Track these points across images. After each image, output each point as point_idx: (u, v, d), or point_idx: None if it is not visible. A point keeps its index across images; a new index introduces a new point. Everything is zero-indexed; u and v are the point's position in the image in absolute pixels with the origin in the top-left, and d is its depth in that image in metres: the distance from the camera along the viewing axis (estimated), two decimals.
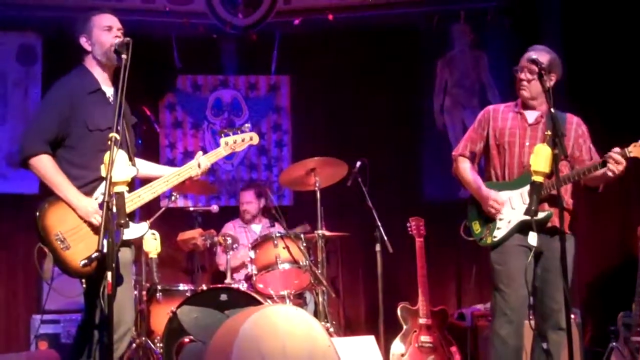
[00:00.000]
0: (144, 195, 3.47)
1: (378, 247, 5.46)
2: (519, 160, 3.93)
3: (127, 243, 3.38)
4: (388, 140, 6.76)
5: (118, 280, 3.17)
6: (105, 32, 3.48)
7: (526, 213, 3.67)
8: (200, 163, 3.67)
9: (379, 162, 5.91)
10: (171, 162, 6.58)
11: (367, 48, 6.84)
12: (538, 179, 3.62)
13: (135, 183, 3.52)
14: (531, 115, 3.99)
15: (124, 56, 3.21)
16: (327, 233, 5.30)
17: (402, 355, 5.52)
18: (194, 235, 5.34)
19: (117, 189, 3.04)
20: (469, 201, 4.11)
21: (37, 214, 3.24)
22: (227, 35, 6.81)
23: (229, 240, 5.18)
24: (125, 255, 3.41)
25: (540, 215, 3.73)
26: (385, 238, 5.37)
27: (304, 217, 5.51)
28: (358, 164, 5.49)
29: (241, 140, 3.92)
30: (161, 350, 4.83)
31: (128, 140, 3.40)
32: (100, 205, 3.13)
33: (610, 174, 3.67)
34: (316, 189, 5.21)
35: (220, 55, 6.97)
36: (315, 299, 5.30)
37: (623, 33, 6.03)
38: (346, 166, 5.36)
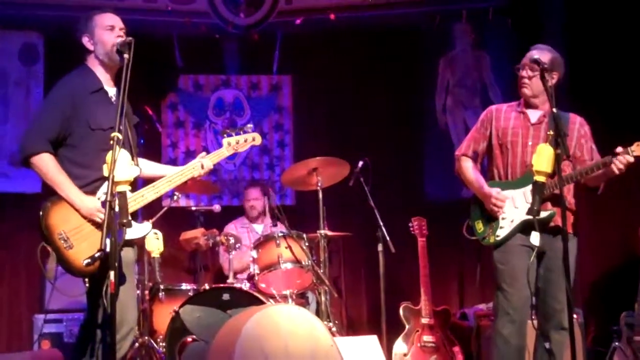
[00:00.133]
0: (147, 194, 3.47)
1: (380, 247, 5.46)
2: (522, 160, 3.93)
3: (129, 242, 3.37)
4: (390, 140, 6.76)
5: (121, 279, 3.17)
6: (108, 31, 3.48)
7: (529, 213, 3.67)
8: (204, 164, 3.67)
9: (381, 162, 5.90)
10: (173, 162, 6.58)
11: (369, 48, 6.84)
12: (540, 178, 3.63)
13: (138, 183, 3.52)
14: (534, 115, 3.99)
15: (126, 56, 3.22)
16: (330, 233, 5.30)
17: (405, 355, 5.52)
18: (196, 234, 5.34)
19: (119, 188, 3.05)
20: (471, 200, 4.11)
21: (41, 213, 3.24)
22: (229, 34, 6.82)
23: (232, 240, 5.18)
24: (128, 254, 3.41)
25: (543, 214, 3.73)
26: (388, 238, 5.37)
27: (306, 217, 5.51)
28: (360, 163, 5.48)
29: (244, 140, 3.93)
30: (164, 350, 4.83)
31: (130, 140, 3.41)
32: (103, 205, 3.13)
33: (616, 170, 3.67)
34: (318, 188, 5.21)
35: (222, 54, 6.97)
36: (318, 299, 5.30)
37: (625, 32, 6.03)
38: (348, 166, 5.36)
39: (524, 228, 3.82)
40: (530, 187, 3.75)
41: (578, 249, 3.93)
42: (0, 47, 6.46)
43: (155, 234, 5.23)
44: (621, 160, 3.66)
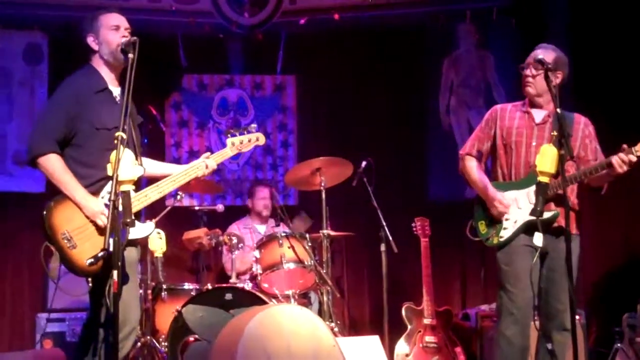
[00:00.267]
0: (150, 194, 3.47)
1: (383, 247, 5.46)
2: (526, 160, 3.93)
3: (133, 242, 3.38)
4: (393, 140, 6.76)
5: (124, 279, 3.18)
6: (113, 31, 3.49)
7: (532, 213, 3.67)
8: (207, 164, 3.68)
9: (385, 162, 5.91)
10: (177, 162, 6.57)
11: (373, 48, 6.84)
12: (544, 179, 3.62)
13: (142, 182, 3.53)
14: (538, 115, 3.98)
15: (130, 55, 3.22)
16: (332, 233, 5.30)
17: (407, 355, 5.52)
18: (199, 234, 5.34)
19: (123, 187, 3.05)
20: (475, 201, 4.11)
21: (44, 212, 3.25)
22: (233, 34, 6.82)
23: (234, 240, 5.18)
24: (131, 254, 3.41)
25: (547, 215, 3.73)
26: (390, 238, 5.38)
27: (309, 217, 5.51)
28: (363, 163, 5.49)
29: (247, 140, 3.94)
30: (166, 349, 4.83)
31: (134, 140, 3.41)
32: (107, 205, 3.14)
33: (619, 169, 3.66)
34: (321, 188, 5.22)
35: (226, 54, 6.97)
36: (320, 299, 5.31)
37: (629, 32, 6.02)
38: (351, 166, 5.37)
39: (528, 229, 3.82)
40: (534, 187, 3.73)
41: (581, 249, 3.93)
42: (4, 47, 6.47)
43: (159, 233, 5.23)
44: (624, 158, 3.65)
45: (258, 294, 4.77)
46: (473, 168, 4.12)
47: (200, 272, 5.54)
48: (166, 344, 4.79)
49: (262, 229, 6.18)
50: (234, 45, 6.97)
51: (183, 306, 4.67)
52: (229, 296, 4.71)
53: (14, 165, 6.37)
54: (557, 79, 3.83)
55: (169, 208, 5.12)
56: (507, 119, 4.05)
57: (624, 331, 5.17)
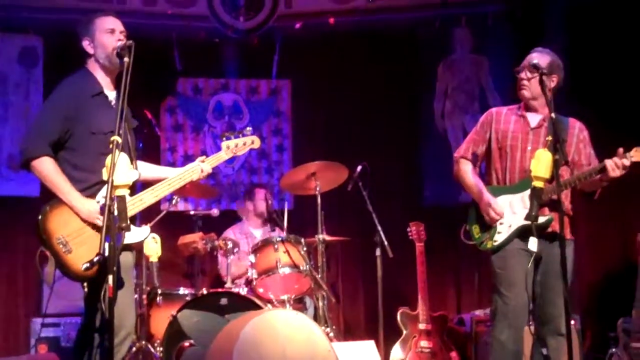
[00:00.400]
0: (146, 198, 3.47)
1: (378, 252, 5.46)
2: (521, 165, 3.93)
3: (128, 247, 3.37)
4: (389, 145, 6.77)
5: (119, 283, 3.18)
6: (108, 34, 3.48)
7: (527, 218, 3.68)
8: (203, 168, 3.67)
9: (380, 167, 5.91)
10: (172, 166, 6.51)
11: (368, 52, 6.85)
12: (538, 184, 3.64)
13: (137, 185, 3.52)
14: (534, 119, 3.99)
15: (126, 59, 3.21)
16: (328, 237, 5.29)
17: None
18: (194, 239, 5.33)
19: (118, 192, 3.04)
20: (469, 204, 4.11)
21: (39, 217, 3.24)
22: (229, 38, 6.82)
23: (230, 245, 5.18)
24: (127, 259, 3.41)
25: (541, 220, 3.72)
26: (386, 242, 5.37)
27: (304, 221, 5.51)
28: (359, 168, 5.48)
29: (242, 143, 3.94)
30: (161, 355, 4.81)
31: (130, 144, 3.40)
32: (102, 209, 3.13)
33: (612, 173, 3.66)
34: (317, 193, 5.21)
35: (222, 58, 6.97)
36: (315, 304, 5.30)
37: (625, 38, 6.05)
38: (347, 170, 5.36)
39: (522, 233, 3.82)
40: (528, 192, 3.75)
41: (575, 254, 3.94)
42: None
43: (154, 237, 5.22)
44: (617, 162, 3.65)
45: (253, 298, 4.76)
46: (468, 172, 4.11)
47: (196, 276, 5.52)
48: (161, 349, 4.77)
49: (258, 233, 6.18)
50: (229, 49, 6.96)
51: (178, 311, 4.66)
52: (224, 301, 4.70)
53: (8, 169, 6.35)
54: (552, 82, 3.84)
55: (164, 212, 5.11)
56: (502, 123, 4.05)
57: (619, 336, 5.18)
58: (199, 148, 6.88)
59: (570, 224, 3.94)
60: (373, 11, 6.85)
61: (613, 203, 5.79)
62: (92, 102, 3.44)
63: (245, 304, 4.65)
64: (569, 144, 3.93)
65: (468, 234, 4.07)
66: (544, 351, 3.88)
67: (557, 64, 3.94)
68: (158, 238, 5.28)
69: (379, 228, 5.38)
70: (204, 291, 4.96)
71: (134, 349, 4.96)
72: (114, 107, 3.46)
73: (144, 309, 5.15)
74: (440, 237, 6.06)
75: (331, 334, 4.92)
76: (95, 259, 2.95)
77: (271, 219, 6.05)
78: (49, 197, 3.34)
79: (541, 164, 3.61)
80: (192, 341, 4.59)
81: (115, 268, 2.92)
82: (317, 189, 5.21)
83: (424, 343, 5.55)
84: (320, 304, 5.13)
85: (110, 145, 3.01)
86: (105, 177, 3.05)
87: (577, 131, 4.00)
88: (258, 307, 4.59)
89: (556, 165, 3.48)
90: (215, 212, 5.74)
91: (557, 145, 3.46)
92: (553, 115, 3.51)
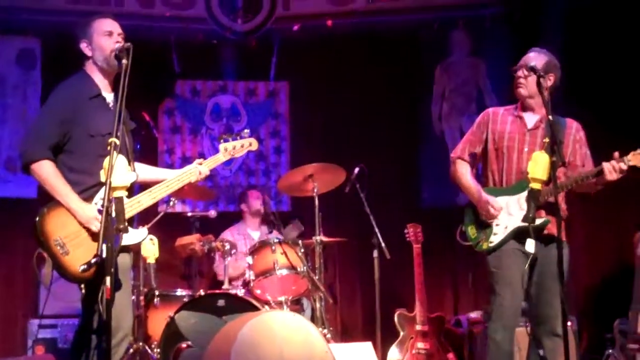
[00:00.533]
0: (143, 200, 3.47)
1: (375, 253, 5.46)
2: (517, 167, 3.93)
3: (126, 248, 3.38)
4: (386, 147, 6.78)
5: (116, 285, 3.18)
6: (106, 37, 3.49)
7: (524, 220, 3.69)
8: (200, 170, 3.68)
9: (377, 169, 5.92)
10: (169, 168, 6.53)
11: (366, 54, 6.85)
12: (536, 186, 3.64)
13: (135, 187, 3.53)
14: (530, 120, 3.98)
15: (124, 61, 3.22)
16: (325, 239, 5.30)
17: None
18: (192, 240, 5.34)
19: (116, 194, 3.04)
20: (466, 206, 4.11)
21: (37, 219, 3.24)
22: (227, 40, 6.83)
23: (227, 246, 5.18)
24: (124, 260, 3.41)
25: (538, 221, 3.73)
26: (383, 244, 5.37)
27: (302, 223, 5.50)
28: (356, 170, 5.49)
29: (240, 145, 3.95)
30: (158, 356, 4.81)
31: (127, 146, 3.41)
32: (100, 211, 3.13)
33: (609, 177, 3.67)
34: (314, 195, 5.22)
35: (220, 60, 6.98)
36: (313, 305, 5.30)
37: (622, 39, 6.05)
38: (344, 172, 5.37)
39: (518, 235, 3.82)
40: (524, 193, 3.76)
41: (571, 256, 3.94)
42: None
43: (151, 239, 5.22)
44: (615, 166, 3.64)
45: (250, 300, 4.77)
46: (464, 172, 4.10)
47: (193, 278, 5.52)
48: (159, 350, 4.78)
49: (255, 234, 6.18)
50: (227, 51, 6.97)
51: (176, 312, 4.66)
52: (221, 302, 4.70)
53: (6, 171, 6.35)
54: (549, 81, 3.84)
55: (161, 214, 5.11)
56: (499, 123, 4.04)
57: (615, 337, 5.18)
58: (196, 150, 6.88)
59: (566, 227, 3.94)
60: (371, 14, 6.87)
61: (609, 205, 5.82)
62: (90, 105, 3.44)
63: (243, 306, 4.66)
64: (566, 145, 3.93)
65: (464, 235, 4.07)
66: (541, 352, 3.88)
67: (553, 63, 3.95)
68: (155, 239, 5.28)
69: (377, 230, 5.38)
70: (202, 292, 4.96)
71: (131, 350, 4.97)
72: (112, 109, 3.46)
73: (142, 311, 5.15)
74: (437, 239, 6.07)
75: (328, 336, 4.93)
76: (93, 261, 2.95)
77: (269, 221, 6.05)
78: (47, 199, 3.34)
79: (538, 165, 3.61)
80: (189, 342, 4.60)
81: (112, 270, 2.92)
82: (315, 190, 5.22)
83: (421, 344, 5.55)
84: (318, 305, 5.14)
85: (108, 147, 3.02)
86: (103, 179, 3.05)
87: (573, 131, 4.00)
88: (255, 309, 4.59)
89: (553, 167, 3.49)
90: (212, 213, 5.74)
91: (555, 148, 3.47)
92: (551, 117, 3.51)
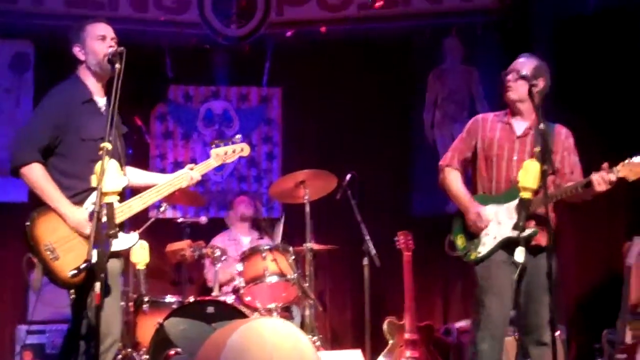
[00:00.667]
0: (134, 205, 3.46)
1: (365, 261, 5.44)
2: (507, 175, 3.92)
3: (116, 254, 3.36)
4: (378, 154, 6.78)
5: (106, 291, 3.16)
6: (99, 41, 3.49)
7: (514, 228, 3.68)
8: (192, 175, 3.68)
9: (369, 176, 5.92)
10: (161, 173, 6.54)
11: (359, 61, 6.86)
12: (526, 195, 3.62)
13: (126, 192, 3.52)
14: (519, 127, 3.97)
15: (117, 66, 3.22)
16: (316, 246, 5.29)
17: None
18: (182, 246, 5.32)
19: (107, 199, 3.04)
20: (454, 215, 4.09)
21: (27, 224, 3.23)
22: (220, 46, 6.84)
23: (217, 252, 5.17)
24: (114, 266, 3.40)
25: (527, 231, 3.72)
26: (373, 252, 5.36)
27: (292, 230, 5.51)
28: (348, 177, 5.48)
29: (232, 151, 3.94)
30: None
31: (119, 150, 3.41)
32: (91, 216, 3.13)
33: (598, 188, 3.66)
34: (305, 201, 5.21)
35: (213, 66, 6.98)
36: (302, 313, 5.29)
37: (614, 47, 6.08)
38: (336, 179, 5.36)
39: (506, 245, 3.81)
40: (514, 202, 3.75)
41: (560, 265, 3.94)
42: None
43: (142, 245, 5.20)
44: (604, 177, 3.63)
45: (240, 307, 4.75)
46: (453, 180, 4.08)
47: (183, 284, 5.51)
48: (147, 356, 4.75)
49: (246, 240, 6.18)
50: (220, 56, 6.97)
51: (165, 319, 4.65)
52: (210, 309, 4.68)
53: None
54: (538, 87, 3.85)
55: (152, 220, 5.10)
56: (488, 130, 4.02)
57: (603, 347, 5.19)
58: (188, 155, 6.87)
59: (555, 236, 3.94)
60: (364, 20, 6.88)
61: (598, 215, 5.84)
62: (82, 109, 3.44)
63: (232, 313, 4.64)
64: (555, 152, 3.91)
65: (453, 245, 4.05)
66: None
67: (542, 67, 3.94)
68: (146, 245, 5.27)
69: (367, 237, 5.38)
70: (191, 299, 4.94)
71: (119, 356, 4.93)
72: (104, 113, 3.46)
73: (131, 317, 5.13)
74: (428, 247, 6.06)
75: (318, 343, 4.91)
76: (83, 266, 2.94)
77: (260, 227, 6.04)
78: (37, 203, 3.33)
79: (529, 174, 3.58)
80: (178, 349, 4.58)
81: (102, 275, 2.91)
82: (306, 197, 5.21)
83: (409, 353, 5.55)
84: (307, 312, 5.13)
85: (100, 152, 3.01)
86: (94, 184, 3.05)
87: (563, 138, 3.99)
88: (245, 316, 4.58)
89: (544, 176, 3.49)
90: (203, 219, 5.73)
91: (545, 156, 3.48)
92: (542, 126, 3.50)
